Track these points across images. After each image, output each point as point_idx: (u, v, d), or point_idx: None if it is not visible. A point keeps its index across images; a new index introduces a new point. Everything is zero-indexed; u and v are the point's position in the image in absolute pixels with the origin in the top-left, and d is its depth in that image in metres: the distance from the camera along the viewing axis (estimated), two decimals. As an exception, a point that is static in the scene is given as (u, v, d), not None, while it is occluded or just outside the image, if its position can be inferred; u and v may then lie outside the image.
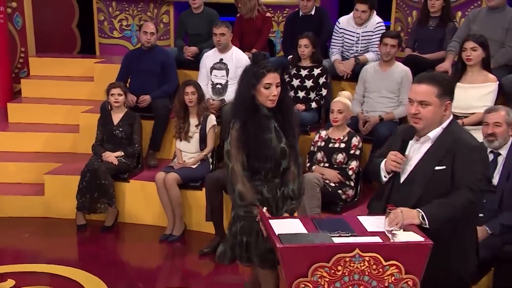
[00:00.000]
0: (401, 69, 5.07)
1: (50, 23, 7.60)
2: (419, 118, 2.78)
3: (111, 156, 5.22)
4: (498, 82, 4.63)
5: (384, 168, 2.88)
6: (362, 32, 5.61)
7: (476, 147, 2.81)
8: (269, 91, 3.02)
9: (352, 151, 4.58)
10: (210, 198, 4.83)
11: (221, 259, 3.30)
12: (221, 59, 5.61)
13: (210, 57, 5.67)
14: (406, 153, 2.84)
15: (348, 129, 4.67)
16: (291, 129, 3.14)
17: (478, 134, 3.80)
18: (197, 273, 4.71)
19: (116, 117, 5.37)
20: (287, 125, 3.12)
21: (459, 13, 6.08)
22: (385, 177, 2.90)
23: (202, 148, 5.17)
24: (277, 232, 2.57)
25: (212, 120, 5.16)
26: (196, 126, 5.14)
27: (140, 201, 5.34)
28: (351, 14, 5.66)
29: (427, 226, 2.69)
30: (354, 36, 5.65)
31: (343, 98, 4.64)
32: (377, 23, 5.57)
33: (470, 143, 2.82)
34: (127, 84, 5.81)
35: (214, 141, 5.26)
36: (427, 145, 2.83)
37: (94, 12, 7.59)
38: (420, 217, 2.69)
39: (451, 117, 2.86)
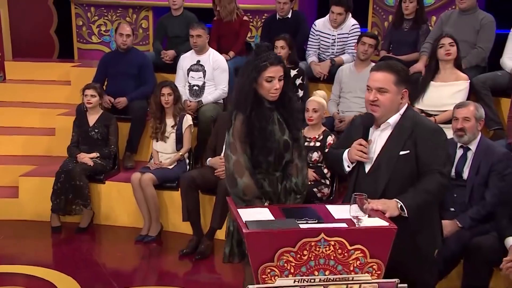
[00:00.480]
0: (375, 70, 5.14)
1: (28, 29, 7.59)
2: (377, 105, 2.83)
3: (86, 157, 5.22)
4: (469, 81, 4.72)
5: (347, 158, 2.92)
6: (338, 34, 5.70)
7: (436, 129, 2.89)
8: (271, 84, 2.96)
9: (327, 150, 4.63)
10: (186, 198, 4.85)
11: (229, 259, 3.14)
12: (198, 61, 5.65)
13: (187, 58, 5.71)
14: (370, 139, 2.89)
15: (323, 128, 4.72)
16: (294, 122, 3.09)
17: (449, 132, 3.87)
18: (174, 273, 4.70)
19: (92, 119, 5.37)
20: (290, 118, 3.07)
21: (434, 18, 6.19)
22: (348, 167, 2.94)
23: (178, 148, 5.19)
24: (244, 220, 2.59)
25: (188, 120, 5.18)
26: (172, 126, 5.17)
27: (116, 202, 5.34)
28: (327, 16, 5.74)
29: (406, 215, 2.74)
30: (330, 38, 5.73)
31: (317, 97, 4.69)
32: (353, 25, 5.66)
33: (429, 125, 2.92)
34: (104, 87, 5.83)
35: (191, 142, 5.29)
36: (388, 132, 2.88)
37: (73, 18, 7.60)
38: (399, 208, 2.74)
39: (407, 104, 2.92)
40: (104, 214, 5.37)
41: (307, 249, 2.47)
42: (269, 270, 2.47)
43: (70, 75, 6.71)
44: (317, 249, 2.48)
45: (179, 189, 4.97)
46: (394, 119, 2.88)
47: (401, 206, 2.75)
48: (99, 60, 6.07)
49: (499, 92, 5.03)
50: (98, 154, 5.28)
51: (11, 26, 7.33)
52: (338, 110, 5.24)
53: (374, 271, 2.52)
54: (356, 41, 5.41)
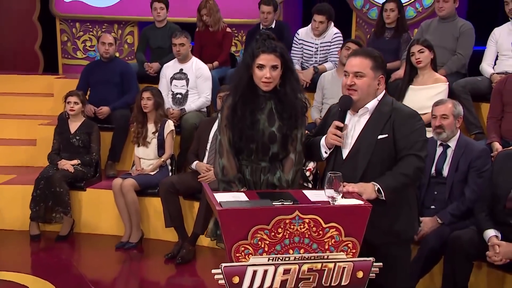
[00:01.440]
0: (357, 77, 5.22)
1: (12, 45, 7.66)
2: (354, 89, 2.86)
3: (67, 164, 5.20)
4: (448, 83, 4.80)
5: (324, 144, 2.93)
6: (321, 43, 5.79)
7: (413, 114, 2.92)
8: (261, 72, 2.90)
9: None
10: (166, 203, 4.84)
11: (210, 235, 3.19)
12: (181, 69, 5.70)
13: (170, 67, 5.76)
14: (346, 124, 2.91)
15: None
16: (290, 117, 2.96)
17: (430, 133, 3.92)
18: (155, 279, 4.66)
19: (74, 126, 5.37)
20: (285, 112, 2.96)
21: (416, 31, 6.30)
22: (325, 153, 2.94)
23: (160, 154, 5.19)
24: (218, 200, 2.58)
25: (169, 125, 5.19)
26: (153, 133, 5.17)
27: (97, 210, 5.31)
28: (310, 25, 5.84)
29: (384, 198, 2.76)
30: (312, 47, 5.82)
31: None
32: (335, 34, 5.76)
33: (407, 110, 2.95)
34: (87, 96, 5.85)
35: (174, 149, 5.30)
36: (366, 117, 2.91)
37: (58, 33, 7.67)
38: (376, 191, 2.76)
39: (385, 91, 2.96)
40: (84, 222, 5.33)
41: (282, 226, 2.46)
42: (243, 248, 2.46)
43: (53, 87, 6.72)
44: (292, 227, 2.47)
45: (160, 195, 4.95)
46: (372, 104, 2.91)
47: (378, 188, 2.76)
48: (82, 69, 6.11)
49: (479, 97, 5.10)
50: (79, 161, 5.26)
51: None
52: (320, 116, 5.28)
53: (349, 250, 2.52)
54: (338, 49, 5.50)
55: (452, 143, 4.00)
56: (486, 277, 3.77)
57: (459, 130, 4.05)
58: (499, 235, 3.56)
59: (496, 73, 5.05)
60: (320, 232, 2.49)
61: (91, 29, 7.63)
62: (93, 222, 5.33)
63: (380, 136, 2.85)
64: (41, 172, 5.17)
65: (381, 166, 2.84)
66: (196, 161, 4.97)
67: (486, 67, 5.20)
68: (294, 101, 2.99)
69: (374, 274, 2.56)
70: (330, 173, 2.58)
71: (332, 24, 5.80)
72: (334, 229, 2.50)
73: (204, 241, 5.03)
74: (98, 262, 4.84)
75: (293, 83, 3.01)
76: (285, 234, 2.47)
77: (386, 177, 2.80)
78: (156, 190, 5.07)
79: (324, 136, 2.95)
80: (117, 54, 6.41)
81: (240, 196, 2.72)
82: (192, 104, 5.63)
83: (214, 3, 6.17)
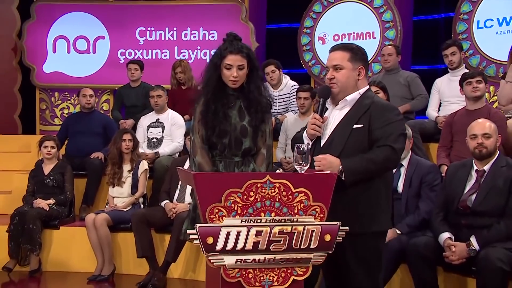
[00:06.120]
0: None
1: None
2: (334, 82, 2.84)
3: (43, 203, 5.07)
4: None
5: (306, 136, 2.90)
6: (279, 95, 5.99)
7: (391, 107, 2.86)
8: (229, 72, 2.93)
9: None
10: (138, 234, 4.73)
11: (184, 236, 2.94)
12: (158, 119, 5.81)
13: (147, 117, 5.87)
14: (326, 115, 2.86)
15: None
16: (257, 113, 3.00)
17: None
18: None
19: (47, 168, 5.30)
20: (252, 108, 2.99)
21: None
22: (308, 144, 2.89)
23: (133, 192, 5.13)
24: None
25: (144, 165, 5.20)
26: (128, 171, 5.15)
27: (70, 247, 5.12)
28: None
29: (343, 178, 2.67)
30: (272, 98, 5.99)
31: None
32: (292, 86, 5.98)
33: (384, 103, 2.91)
34: (64, 146, 5.81)
35: (146, 189, 5.25)
36: (346, 109, 2.85)
37: (37, 102, 7.71)
38: (339, 171, 2.67)
39: (367, 86, 2.91)
40: (56, 259, 5.11)
41: (254, 190, 2.44)
42: (217, 210, 2.42)
43: (31, 146, 6.63)
44: (263, 190, 2.46)
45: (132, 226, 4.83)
46: (352, 96, 2.83)
47: (341, 170, 2.70)
48: (63, 121, 6.10)
49: (426, 137, 5.28)
50: (54, 201, 5.14)
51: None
52: (285, 157, 5.37)
53: (317, 214, 2.50)
54: (297, 99, 5.71)
55: (405, 162, 4.10)
56: (443, 281, 3.74)
57: (410, 151, 4.17)
58: (453, 238, 3.60)
59: (441, 116, 5.28)
60: (290, 196, 2.48)
61: (69, 98, 7.69)
62: (65, 259, 5.12)
63: (355, 126, 2.77)
64: (16, 209, 5.02)
65: (353, 156, 2.73)
66: (166, 201, 4.91)
67: (432, 111, 5.44)
68: (259, 97, 3.04)
69: (340, 238, 2.52)
70: (297, 144, 2.61)
71: (288, 78, 6.06)
72: (303, 194, 2.48)
73: (175, 272, 4.88)
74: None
75: (258, 82, 3.06)
76: (257, 197, 2.45)
77: (352, 159, 2.71)
78: (128, 225, 4.95)
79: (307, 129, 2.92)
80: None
81: (215, 174, 2.71)
82: (166, 147, 5.66)
83: (187, 63, 6.38)
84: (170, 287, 4.68)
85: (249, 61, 3.00)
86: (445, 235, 3.61)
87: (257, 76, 3.07)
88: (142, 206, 5.18)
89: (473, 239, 3.49)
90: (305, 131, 2.93)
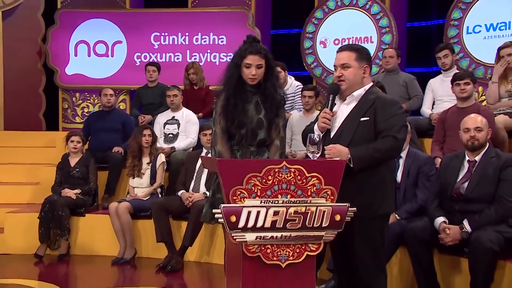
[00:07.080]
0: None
1: (19, 112, 7.74)
2: (342, 79, 2.93)
3: (70, 192, 5.18)
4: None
5: (317, 128, 2.98)
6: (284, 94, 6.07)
7: (395, 101, 2.95)
8: (248, 70, 3.04)
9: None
10: (157, 219, 4.83)
11: (204, 218, 3.16)
12: (173, 117, 5.90)
13: (163, 115, 5.96)
14: (335, 109, 2.95)
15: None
16: (272, 108, 3.11)
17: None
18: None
19: (73, 161, 5.41)
20: (268, 103, 3.10)
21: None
22: (318, 135, 3.00)
23: (152, 183, 5.24)
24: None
25: (161, 158, 5.30)
26: (147, 164, 5.25)
27: (95, 233, 5.24)
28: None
29: (351, 165, 2.76)
30: (278, 97, 6.11)
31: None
32: (297, 86, 6.06)
33: (388, 98, 3.00)
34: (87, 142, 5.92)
35: (163, 180, 5.36)
36: (353, 104, 2.94)
37: (60, 102, 7.83)
38: (348, 158, 2.76)
39: (372, 83, 3.01)
40: (82, 244, 5.22)
41: (272, 174, 2.55)
42: (239, 192, 2.52)
43: (56, 141, 6.76)
44: (280, 175, 2.56)
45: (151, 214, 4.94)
46: (358, 92, 2.91)
47: (350, 158, 2.79)
48: (85, 119, 6.22)
49: (421, 133, 5.38)
50: (80, 191, 5.25)
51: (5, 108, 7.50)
52: (291, 150, 5.48)
53: (328, 196, 2.60)
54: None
55: (403, 154, 4.20)
56: (438, 262, 3.84)
57: (408, 144, 4.27)
58: (447, 221, 3.70)
59: (435, 113, 5.39)
60: (304, 180, 2.58)
61: (89, 98, 7.81)
62: (90, 244, 5.24)
63: (362, 119, 2.86)
64: (47, 197, 5.14)
65: (361, 146, 2.82)
66: (182, 191, 5.02)
67: (426, 109, 5.55)
68: (274, 94, 3.16)
69: (349, 218, 2.63)
70: (310, 134, 2.72)
71: (293, 78, 6.15)
72: (316, 178, 2.58)
73: (191, 256, 4.99)
74: (94, 275, 4.73)
75: (273, 80, 3.18)
76: (274, 181, 2.55)
77: (359, 148, 2.81)
78: (148, 212, 5.06)
79: (317, 122, 3.01)
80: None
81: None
82: (181, 143, 5.76)
83: (199, 65, 6.48)
84: (187, 269, 4.78)
85: (267, 61, 3.12)
86: (440, 219, 3.71)
87: (273, 75, 3.19)
88: (159, 195, 5.29)
89: (465, 222, 3.59)
90: (316, 124, 3.02)
